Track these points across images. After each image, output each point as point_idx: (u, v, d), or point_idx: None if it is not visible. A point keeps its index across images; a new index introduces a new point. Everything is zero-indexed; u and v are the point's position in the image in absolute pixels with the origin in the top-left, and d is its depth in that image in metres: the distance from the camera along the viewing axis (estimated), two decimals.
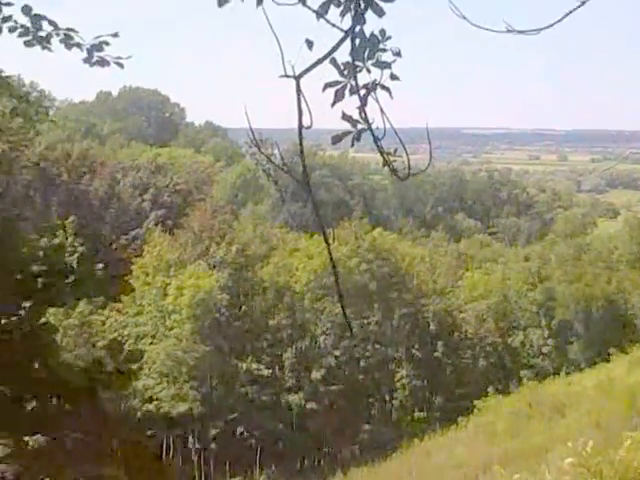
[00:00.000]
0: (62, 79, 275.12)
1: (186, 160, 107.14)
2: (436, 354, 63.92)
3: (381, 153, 5.40)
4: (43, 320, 4.15)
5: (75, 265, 4.17)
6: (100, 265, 4.48)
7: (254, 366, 58.07)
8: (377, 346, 63.36)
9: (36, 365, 4.10)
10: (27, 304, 4.17)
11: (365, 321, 62.71)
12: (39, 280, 4.11)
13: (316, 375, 60.07)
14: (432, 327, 64.60)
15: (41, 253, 4.14)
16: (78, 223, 70.02)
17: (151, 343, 57.48)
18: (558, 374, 58.27)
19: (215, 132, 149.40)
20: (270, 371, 59.01)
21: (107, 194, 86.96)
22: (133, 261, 62.98)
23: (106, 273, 4.20)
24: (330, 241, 5.98)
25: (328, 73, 5.59)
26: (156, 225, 78.09)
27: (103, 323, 57.90)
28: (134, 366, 4.26)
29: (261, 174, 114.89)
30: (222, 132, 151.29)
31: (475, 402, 54.98)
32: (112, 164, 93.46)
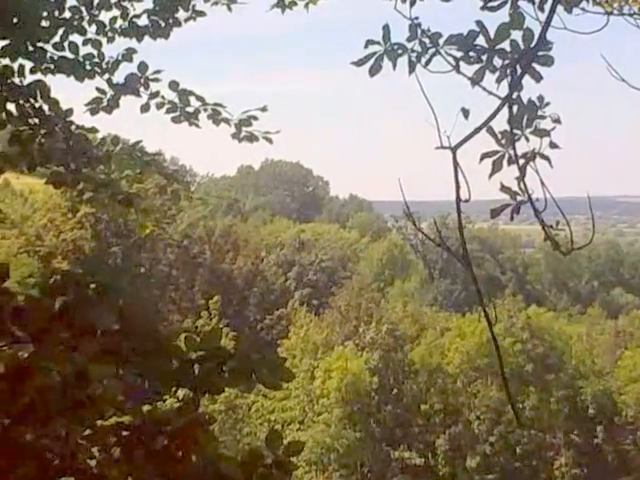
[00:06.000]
0: (203, 154, 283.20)
1: (330, 236, 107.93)
2: (596, 440, 62.17)
3: (543, 227, 5.27)
4: (201, 409, 4.15)
5: (232, 350, 4.17)
6: (253, 349, 4.46)
7: (406, 454, 57.39)
8: (533, 432, 61.86)
9: (194, 458, 4.09)
10: (184, 393, 4.19)
11: (521, 405, 61.44)
12: (196, 367, 4.12)
13: (471, 463, 58.97)
14: (591, 410, 62.91)
15: (198, 338, 4.15)
16: (222, 303, 71.62)
17: (299, 429, 57.52)
18: None
19: (360, 206, 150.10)
20: (423, 459, 58.21)
21: (251, 272, 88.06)
22: (279, 343, 63.68)
23: (265, 358, 4.17)
24: (492, 319, 5.84)
25: (482, 143, 5.54)
26: (301, 305, 78.66)
27: (249, 408, 58.31)
28: (294, 458, 4.20)
29: (408, 249, 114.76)
30: (367, 206, 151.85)
31: None
32: (255, 241, 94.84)
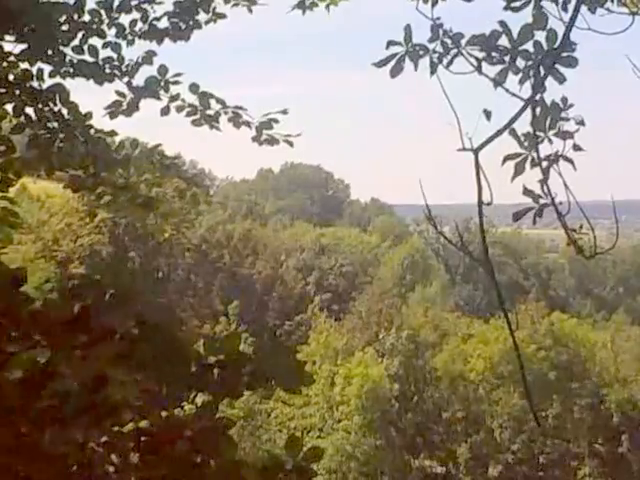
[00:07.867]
0: (223, 157, 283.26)
1: (351, 240, 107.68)
2: (620, 449, 61.73)
3: (566, 230, 5.25)
4: (220, 414, 4.16)
5: (251, 353, 4.18)
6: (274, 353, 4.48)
7: (427, 463, 57.21)
8: (557, 441, 61.49)
9: (212, 463, 4.09)
10: (203, 397, 4.21)
11: (543, 413, 61.09)
12: (215, 371, 4.13)
13: (493, 472, 58.72)
14: (615, 419, 62.46)
15: (217, 343, 4.16)
16: (241, 308, 71.74)
17: (319, 436, 57.39)
18: None
19: (381, 210, 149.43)
20: (444, 468, 58.02)
21: (270, 277, 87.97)
22: (299, 349, 63.59)
23: (284, 362, 4.18)
24: (513, 326, 5.84)
25: (504, 145, 5.53)
26: (321, 310, 78.54)
27: (268, 415, 58.27)
28: (314, 464, 4.20)
29: (430, 254, 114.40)
30: (388, 209, 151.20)
31: None
32: (275, 245, 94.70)
